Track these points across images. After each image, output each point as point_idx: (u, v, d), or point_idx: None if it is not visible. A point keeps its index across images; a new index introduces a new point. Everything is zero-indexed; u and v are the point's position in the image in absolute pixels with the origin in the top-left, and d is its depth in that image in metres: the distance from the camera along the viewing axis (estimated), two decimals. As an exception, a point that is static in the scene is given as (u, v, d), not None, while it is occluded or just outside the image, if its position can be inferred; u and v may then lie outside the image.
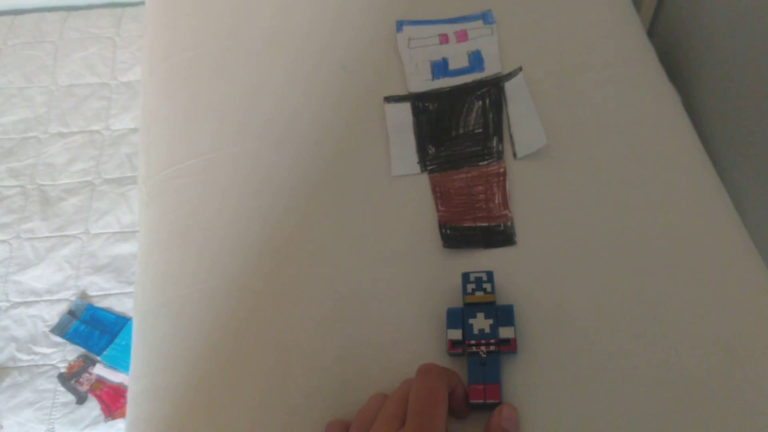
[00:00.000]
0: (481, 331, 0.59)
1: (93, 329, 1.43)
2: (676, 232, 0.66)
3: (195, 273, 0.70)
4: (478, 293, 0.61)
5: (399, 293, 0.65)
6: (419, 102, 0.77)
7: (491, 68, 0.79)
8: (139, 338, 0.69)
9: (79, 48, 1.88)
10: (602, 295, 0.63)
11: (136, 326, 0.70)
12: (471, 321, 0.59)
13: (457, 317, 0.60)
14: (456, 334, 0.59)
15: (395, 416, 0.51)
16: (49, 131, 1.74)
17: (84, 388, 1.37)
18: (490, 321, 0.59)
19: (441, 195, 0.70)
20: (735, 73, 0.86)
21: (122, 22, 1.94)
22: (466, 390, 0.57)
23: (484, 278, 0.62)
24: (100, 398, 1.36)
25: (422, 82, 0.79)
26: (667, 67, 0.81)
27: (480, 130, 0.74)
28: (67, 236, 1.57)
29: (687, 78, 0.95)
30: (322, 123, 0.78)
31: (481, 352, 0.58)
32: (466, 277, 0.62)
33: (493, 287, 0.61)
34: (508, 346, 0.58)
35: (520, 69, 0.77)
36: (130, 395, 0.67)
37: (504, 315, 0.60)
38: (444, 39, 0.82)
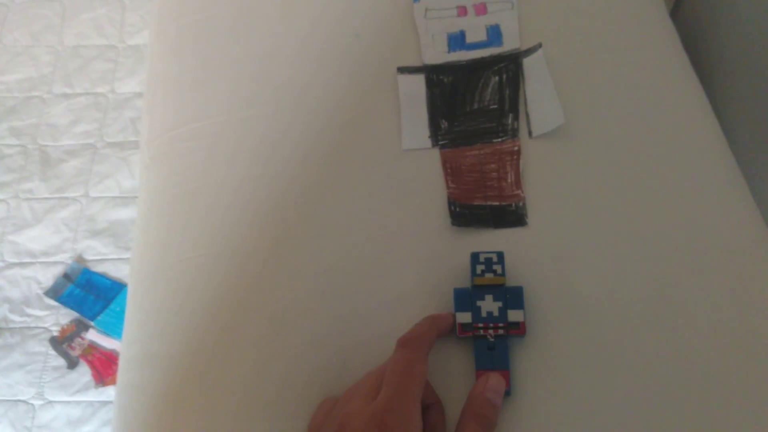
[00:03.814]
0: (490, 314, 0.57)
1: (88, 294, 1.42)
2: (692, 221, 0.64)
3: (195, 239, 0.68)
4: (488, 275, 0.59)
5: (403, 270, 0.63)
6: (434, 74, 0.75)
7: (510, 43, 0.76)
8: (134, 303, 0.68)
9: (88, 8, 1.85)
10: (615, 281, 0.61)
11: (131, 291, 0.69)
12: (479, 303, 0.58)
13: (466, 299, 0.58)
14: (465, 317, 0.57)
15: (371, 389, 0.50)
16: (53, 91, 1.71)
17: (76, 352, 1.36)
18: (499, 304, 0.57)
19: (452, 171, 0.68)
20: (763, 60, 0.84)
21: (132, -17, 1.91)
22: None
23: (495, 259, 0.60)
24: (91, 364, 1.35)
25: (438, 54, 0.77)
26: (689, 51, 0.79)
27: (495, 106, 0.72)
28: (66, 198, 1.55)
29: (710, 63, 0.93)
30: (333, 92, 0.76)
31: (489, 336, 0.56)
32: (475, 257, 0.60)
33: (503, 269, 0.59)
34: (517, 329, 0.57)
35: (539, 45, 0.74)
36: (122, 361, 0.65)
37: (513, 297, 0.58)
38: (462, 11, 0.80)
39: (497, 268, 0.59)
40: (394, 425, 0.47)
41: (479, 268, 0.59)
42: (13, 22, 1.84)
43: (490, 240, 0.64)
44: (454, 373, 0.57)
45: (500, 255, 0.60)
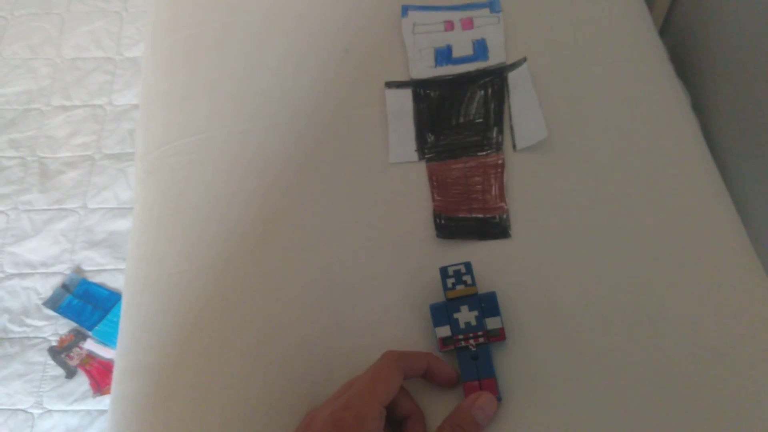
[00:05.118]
0: (468, 324, 0.58)
1: (86, 304, 1.43)
2: (674, 233, 0.65)
3: (187, 253, 0.69)
4: (459, 287, 0.60)
5: (389, 281, 0.64)
6: (421, 89, 0.76)
7: (495, 57, 0.78)
8: (127, 315, 0.69)
9: (86, 21, 1.86)
10: (596, 293, 0.62)
11: (125, 303, 0.70)
12: (456, 315, 0.59)
13: (443, 313, 0.59)
14: (444, 331, 0.59)
15: (341, 392, 0.52)
16: (51, 104, 1.73)
17: (74, 362, 1.37)
18: (475, 313, 0.59)
19: (437, 184, 0.69)
20: (746, 75, 0.85)
21: (130, -4, 1.92)
22: (444, 367, 0.57)
23: (463, 270, 0.61)
24: (89, 373, 1.36)
25: (425, 68, 0.78)
26: (677, 66, 0.80)
27: (480, 120, 0.73)
28: (65, 210, 1.56)
29: (697, 78, 0.94)
30: (321, 106, 0.77)
31: (470, 346, 0.58)
32: (444, 271, 0.61)
33: (473, 279, 0.60)
34: (497, 336, 0.58)
35: (524, 60, 0.76)
36: (116, 372, 0.66)
37: (489, 305, 0.59)
38: (449, 26, 0.81)
39: (467, 278, 0.60)
40: (350, 422, 0.48)
41: (449, 281, 0.60)
42: (12, 35, 1.85)
43: (473, 251, 0.65)
44: (438, 387, 0.58)
45: (468, 265, 0.61)
